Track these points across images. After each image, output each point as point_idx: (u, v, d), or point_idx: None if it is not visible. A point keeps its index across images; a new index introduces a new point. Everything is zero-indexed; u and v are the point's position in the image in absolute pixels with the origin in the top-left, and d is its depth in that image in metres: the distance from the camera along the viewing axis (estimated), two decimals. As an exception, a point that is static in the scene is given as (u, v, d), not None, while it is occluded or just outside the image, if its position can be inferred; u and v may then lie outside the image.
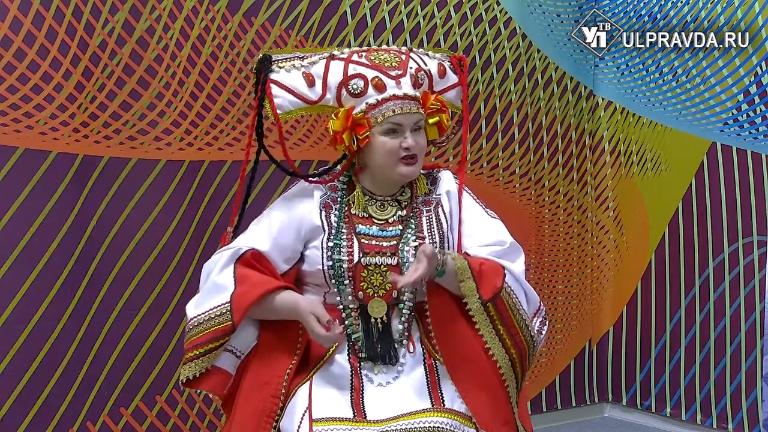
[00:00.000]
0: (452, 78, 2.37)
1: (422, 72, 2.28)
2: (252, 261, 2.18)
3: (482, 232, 2.26)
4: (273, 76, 2.22)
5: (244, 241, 2.23)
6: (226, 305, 2.12)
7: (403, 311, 2.20)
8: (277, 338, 2.20)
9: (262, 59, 2.22)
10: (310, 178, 2.27)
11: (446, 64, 2.37)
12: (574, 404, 4.24)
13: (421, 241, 2.20)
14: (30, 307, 2.89)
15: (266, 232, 2.22)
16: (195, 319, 2.16)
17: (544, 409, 4.12)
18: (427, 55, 2.36)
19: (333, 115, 2.23)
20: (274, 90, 2.21)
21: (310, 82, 2.23)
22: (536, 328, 2.22)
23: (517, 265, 2.23)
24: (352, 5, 3.51)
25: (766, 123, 3.65)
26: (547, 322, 2.28)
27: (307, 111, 2.26)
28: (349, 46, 3.46)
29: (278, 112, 2.21)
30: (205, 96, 3.20)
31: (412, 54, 2.31)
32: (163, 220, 3.13)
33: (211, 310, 2.14)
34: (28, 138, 2.86)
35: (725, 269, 3.81)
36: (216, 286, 2.16)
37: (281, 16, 3.34)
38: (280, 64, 2.23)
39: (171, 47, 3.12)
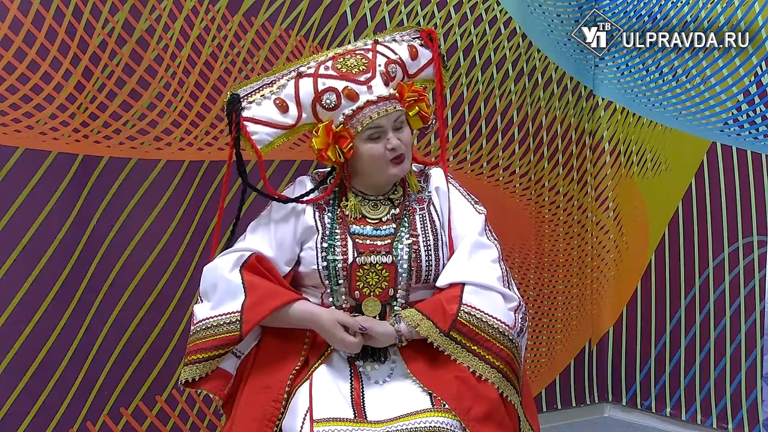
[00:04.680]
0: (426, 55, 2.35)
1: (393, 64, 2.26)
2: (257, 265, 2.17)
3: (460, 240, 2.25)
4: (245, 113, 2.20)
5: (245, 245, 2.22)
6: (237, 314, 2.12)
7: (396, 308, 2.20)
8: (281, 343, 2.20)
9: (230, 100, 2.21)
10: (301, 199, 2.26)
11: (417, 43, 2.35)
12: (574, 404, 4.24)
13: (414, 239, 2.20)
14: (30, 307, 2.88)
15: (267, 235, 2.22)
16: (203, 323, 2.16)
17: (544, 409, 4.11)
18: (395, 40, 2.34)
19: (313, 132, 2.22)
20: (250, 127, 2.20)
21: (284, 108, 2.21)
22: (518, 328, 2.19)
23: (480, 269, 2.20)
24: (352, 5, 3.51)
25: (766, 123, 3.65)
26: (527, 317, 2.25)
27: (287, 136, 2.25)
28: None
29: (259, 147, 2.20)
30: (205, 96, 3.20)
31: (378, 47, 2.29)
32: (163, 220, 3.13)
33: (220, 316, 2.14)
34: (28, 138, 2.86)
35: (725, 269, 3.81)
36: (225, 291, 2.15)
37: (281, 16, 3.34)
38: (249, 100, 2.22)
39: (171, 47, 3.12)
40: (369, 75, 2.21)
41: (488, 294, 2.17)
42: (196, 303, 2.24)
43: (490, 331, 2.14)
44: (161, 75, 3.11)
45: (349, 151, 2.19)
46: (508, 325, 2.16)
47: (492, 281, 2.18)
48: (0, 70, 2.80)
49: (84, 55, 2.94)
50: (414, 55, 2.33)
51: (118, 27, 3.01)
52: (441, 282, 2.21)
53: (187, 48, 3.16)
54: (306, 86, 2.22)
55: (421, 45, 2.35)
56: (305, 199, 2.26)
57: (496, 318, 2.15)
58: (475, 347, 2.12)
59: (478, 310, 2.15)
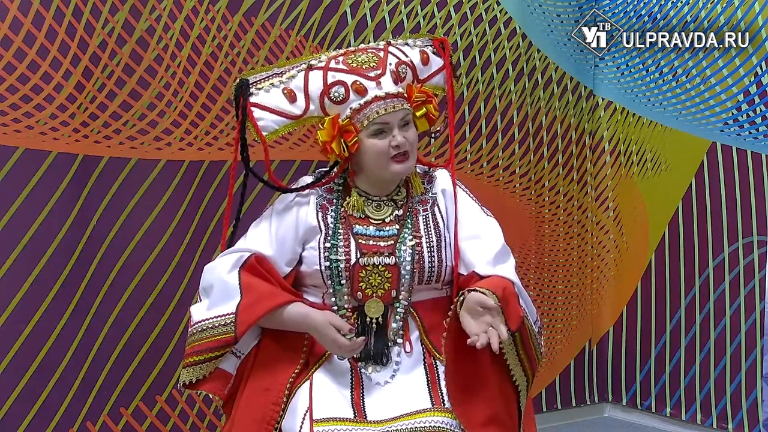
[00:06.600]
0: (437, 62, 2.35)
1: (403, 65, 2.26)
2: (257, 266, 2.17)
3: (484, 236, 2.24)
4: (253, 99, 2.21)
5: (246, 245, 2.22)
6: (231, 316, 2.11)
7: (398, 310, 2.20)
8: (281, 345, 2.20)
9: (239, 84, 2.21)
10: (302, 187, 2.26)
11: (429, 50, 2.35)
12: (574, 404, 4.24)
13: (417, 240, 2.20)
14: (30, 307, 2.88)
15: (268, 235, 2.22)
16: (198, 325, 2.15)
17: (544, 409, 4.11)
18: (407, 44, 2.34)
19: (319, 125, 2.22)
20: (257, 113, 2.20)
21: (292, 97, 2.22)
22: (542, 344, 2.21)
23: (512, 270, 2.20)
24: (352, 5, 3.51)
25: (766, 123, 3.65)
26: (542, 327, 2.27)
27: (293, 126, 2.25)
28: (349, 45, 3.47)
29: (264, 133, 2.20)
30: (205, 96, 3.20)
31: (390, 48, 2.29)
32: (163, 220, 3.13)
33: (215, 318, 2.13)
34: (28, 138, 2.86)
35: (725, 269, 3.81)
36: (222, 292, 2.15)
37: (281, 16, 3.34)
38: (258, 86, 2.22)
39: (171, 47, 3.12)
40: (379, 71, 2.22)
41: (528, 302, 2.18)
42: (194, 302, 2.24)
43: (534, 338, 2.15)
44: (161, 75, 3.11)
45: (353, 145, 2.18)
46: (541, 341, 2.19)
47: (523, 289, 2.19)
48: (0, 70, 2.80)
49: (84, 55, 2.94)
50: (425, 61, 2.32)
51: (118, 27, 3.01)
52: (482, 270, 2.16)
53: (187, 48, 3.16)
54: (315, 78, 2.22)
55: (433, 52, 2.35)
56: (305, 185, 2.25)
57: (534, 325, 2.17)
58: (522, 352, 2.11)
59: (528, 314, 2.14)
